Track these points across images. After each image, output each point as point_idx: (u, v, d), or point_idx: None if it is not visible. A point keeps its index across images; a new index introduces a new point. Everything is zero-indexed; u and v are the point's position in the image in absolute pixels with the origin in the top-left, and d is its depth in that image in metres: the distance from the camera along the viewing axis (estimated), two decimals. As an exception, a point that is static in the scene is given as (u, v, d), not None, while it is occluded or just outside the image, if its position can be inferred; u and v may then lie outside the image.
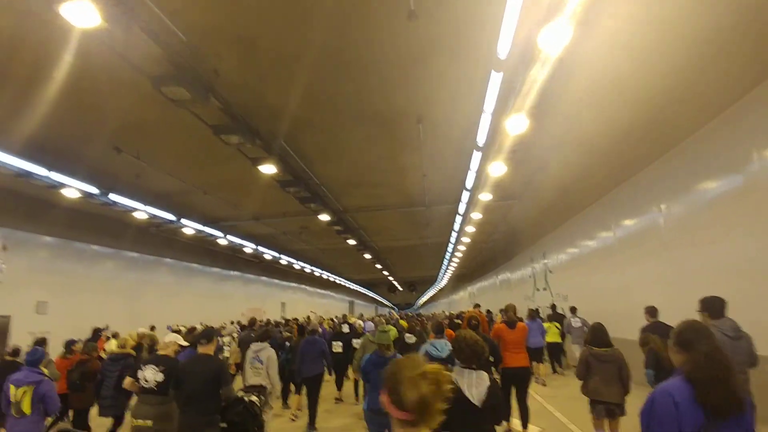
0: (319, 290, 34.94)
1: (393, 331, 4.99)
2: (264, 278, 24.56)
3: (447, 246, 18.68)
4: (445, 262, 22.78)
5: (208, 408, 3.75)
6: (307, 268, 24.09)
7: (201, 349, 3.95)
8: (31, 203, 9.81)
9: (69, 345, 6.36)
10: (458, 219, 12.90)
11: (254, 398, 4.15)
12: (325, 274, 28.29)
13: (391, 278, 33.63)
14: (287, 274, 25.47)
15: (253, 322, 9.57)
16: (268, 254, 18.16)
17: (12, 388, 4.12)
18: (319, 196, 10.50)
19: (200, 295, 17.76)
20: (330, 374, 7.08)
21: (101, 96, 5.87)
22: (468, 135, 7.07)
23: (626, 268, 8.64)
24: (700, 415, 1.65)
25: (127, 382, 4.21)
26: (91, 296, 12.15)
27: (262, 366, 5.10)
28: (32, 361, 4.30)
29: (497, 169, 8.12)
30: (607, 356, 4.46)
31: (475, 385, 2.63)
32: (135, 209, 10.19)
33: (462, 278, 32.99)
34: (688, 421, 1.65)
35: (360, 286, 42.09)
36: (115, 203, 9.53)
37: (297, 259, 21.16)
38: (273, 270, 23.68)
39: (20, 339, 10.20)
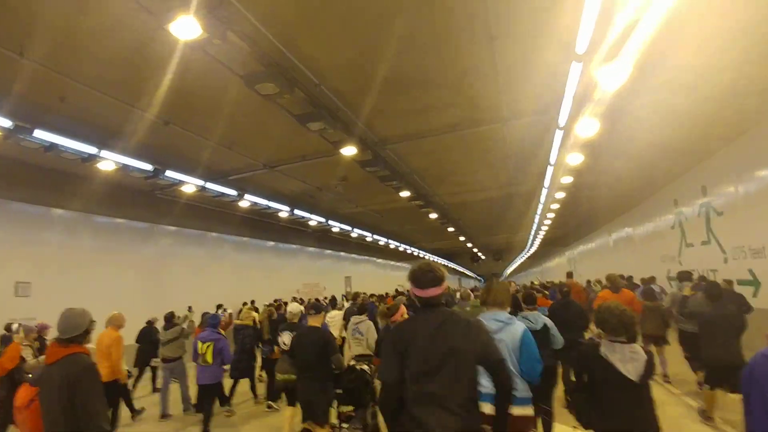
0: (390, 262, 31.86)
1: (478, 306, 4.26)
2: (321, 250, 21.93)
3: (539, 196, 13.87)
4: (537, 218, 17.81)
5: (321, 375, 4.02)
6: (368, 236, 20.82)
7: (311, 321, 4.28)
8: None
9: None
10: (556, 139, 8.23)
11: (365, 367, 4.45)
12: (393, 243, 24.89)
13: (470, 245, 29.18)
14: (347, 244, 22.52)
15: (356, 296, 9.81)
16: (312, 219, 15.06)
17: (199, 343, 5.41)
18: (329, 110, 6.74)
19: (240, 269, 15.39)
20: None
21: None
22: None
23: None
24: None
25: (276, 351, 5.62)
26: (92, 273, 10.03)
27: (363, 337, 5.57)
28: (213, 324, 5.62)
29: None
30: (655, 307, 6.57)
31: (630, 360, 2.51)
32: (93, 156, 7.42)
33: (557, 242, 27.38)
34: None
35: (438, 256, 38.24)
36: (54, 145, 6.78)
37: (352, 226, 17.89)
38: (330, 240, 20.85)
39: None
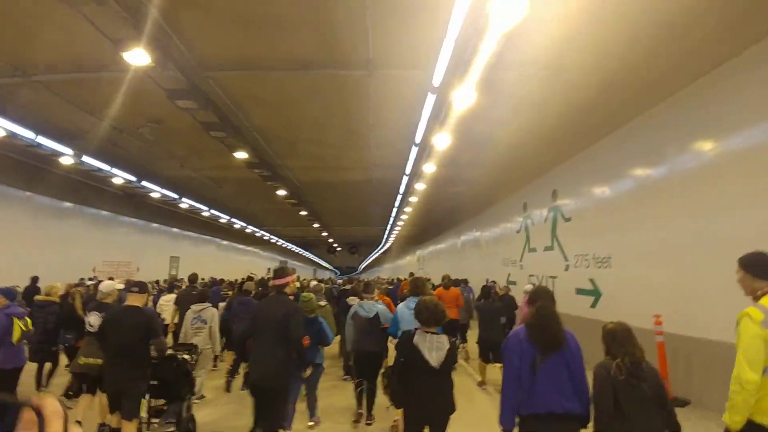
0: (235, 245, 28.24)
1: (313, 299, 4.73)
2: (147, 222, 17.67)
3: (399, 186, 12.88)
4: (395, 212, 17.08)
5: (136, 362, 3.59)
6: (205, 211, 17.37)
7: (130, 299, 3.79)
8: None
9: None
10: (427, 107, 6.89)
11: (186, 356, 4.08)
12: (239, 223, 21.68)
13: (325, 234, 27.62)
14: (178, 218, 18.55)
15: (194, 278, 8.32)
16: (117, 176, 11.27)
17: (16, 320, 4.40)
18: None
19: (8, 234, 10.77)
20: None
21: None
22: None
23: None
24: (533, 349, 2.42)
25: None
26: None
27: (205, 326, 5.36)
28: (13, 297, 4.70)
29: None
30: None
31: (435, 349, 2.88)
32: None
33: (411, 240, 27.78)
34: (526, 352, 2.42)
35: (294, 244, 35.85)
36: None
37: (179, 194, 14.38)
38: (153, 210, 16.72)
39: None
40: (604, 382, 2.37)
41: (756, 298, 2.26)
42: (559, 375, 2.38)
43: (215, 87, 6.63)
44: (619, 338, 2.44)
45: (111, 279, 12.20)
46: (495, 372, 5.89)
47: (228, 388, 6.11)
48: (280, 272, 3.78)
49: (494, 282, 9.93)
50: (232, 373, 6.19)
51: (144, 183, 12.21)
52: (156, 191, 13.21)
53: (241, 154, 9.12)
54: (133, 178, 11.58)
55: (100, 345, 3.82)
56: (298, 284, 6.02)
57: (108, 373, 3.64)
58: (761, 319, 2.12)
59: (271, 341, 3.47)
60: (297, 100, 7.45)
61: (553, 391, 2.35)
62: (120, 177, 11.33)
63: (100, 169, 10.57)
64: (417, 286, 4.52)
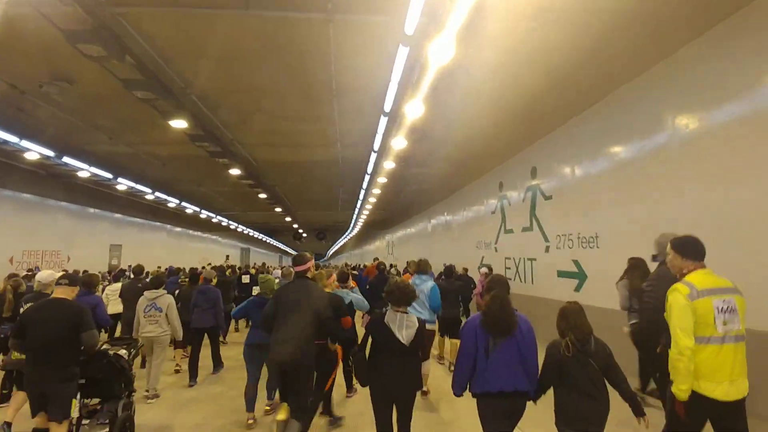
0: (190, 232, 26.30)
1: (271, 280, 5.18)
2: (83, 207, 15.74)
3: (366, 164, 11.80)
4: (362, 194, 16.00)
5: (62, 360, 3.25)
6: (148, 194, 15.59)
7: (59, 292, 3.51)
8: None
9: None
10: (397, 64, 5.80)
11: (122, 351, 3.88)
12: (191, 208, 19.90)
13: (289, 219, 26.16)
14: (116, 201, 16.62)
15: (139, 271, 7.54)
16: (30, 150, 9.48)
17: None
18: None
19: None
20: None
21: None
22: None
23: None
24: (487, 334, 2.64)
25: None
26: None
27: (161, 314, 5.21)
28: None
29: None
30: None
31: (405, 327, 3.04)
32: None
33: (379, 224, 26.89)
34: (481, 337, 2.65)
35: (258, 231, 34.12)
36: None
37: (115, 174, 12.63)
38: (88, 193, 14.81)
39: None
40: (551, 360, 2.55)
41: (682, 276, 2.51)
42: (511, 357, 2.60)
43: (130, 29, 5.22)
44: (567, 315, 2.55)
45: (31, 270, 10.97)
46: (454, 348, 6.24)
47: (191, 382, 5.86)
48: (300, 259, 3.88)
49: (453, 265, 10.52)
50: (191, 369, 5.94)
51: (66, 160, 10.45)
52: (84, 170, 11.44)
53: (179, 123, 7.70)
54: (50, 153, 9.82)
55: (19, 343, 3.38)
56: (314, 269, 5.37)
57: (29, 373, 3.27)
58: (687, 292, 2.37)
59: (295, 323, 3.49)
60: (242, 54, 6.16)
61: (504, 371, 2.58)
62: (34, 152, 9.55)
63: (5, 141, 8.80)
64: (420, 265, 5.69)
